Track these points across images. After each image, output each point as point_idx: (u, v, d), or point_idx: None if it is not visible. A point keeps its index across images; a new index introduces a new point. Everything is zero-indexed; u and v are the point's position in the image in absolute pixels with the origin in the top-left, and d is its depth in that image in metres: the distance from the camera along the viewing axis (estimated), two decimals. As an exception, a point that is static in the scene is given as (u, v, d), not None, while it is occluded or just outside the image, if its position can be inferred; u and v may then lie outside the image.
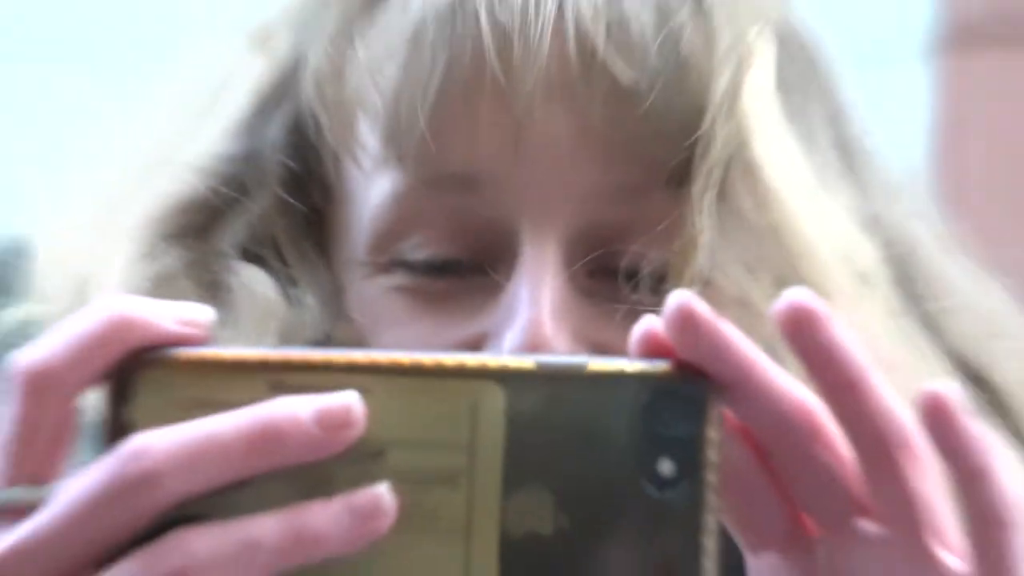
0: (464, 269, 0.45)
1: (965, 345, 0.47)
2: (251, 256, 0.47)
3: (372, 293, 0.46)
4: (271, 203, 0.47)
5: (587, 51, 0.43)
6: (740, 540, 0.33)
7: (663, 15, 0.44)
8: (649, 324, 0.30)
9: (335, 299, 0.47)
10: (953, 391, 0.31)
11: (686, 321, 0.29)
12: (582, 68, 0.43)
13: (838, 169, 0.47)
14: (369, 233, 0.45)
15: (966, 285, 0.50)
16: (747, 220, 0.44)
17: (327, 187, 0.48)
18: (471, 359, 0.32)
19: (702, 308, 0.30)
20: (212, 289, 0.46)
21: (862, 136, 0.50)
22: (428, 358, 0.32)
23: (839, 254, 0.44)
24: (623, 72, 0.42)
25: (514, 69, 0.42)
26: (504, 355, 0.38)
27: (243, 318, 0.45)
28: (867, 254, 0.45)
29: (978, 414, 0.39)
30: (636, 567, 0.31)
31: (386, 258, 0.45)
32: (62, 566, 0.29)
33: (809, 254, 0.43)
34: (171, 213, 0.47)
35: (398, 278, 0.45)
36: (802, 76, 0.48)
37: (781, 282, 0.40)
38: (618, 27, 0.43)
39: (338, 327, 0.46)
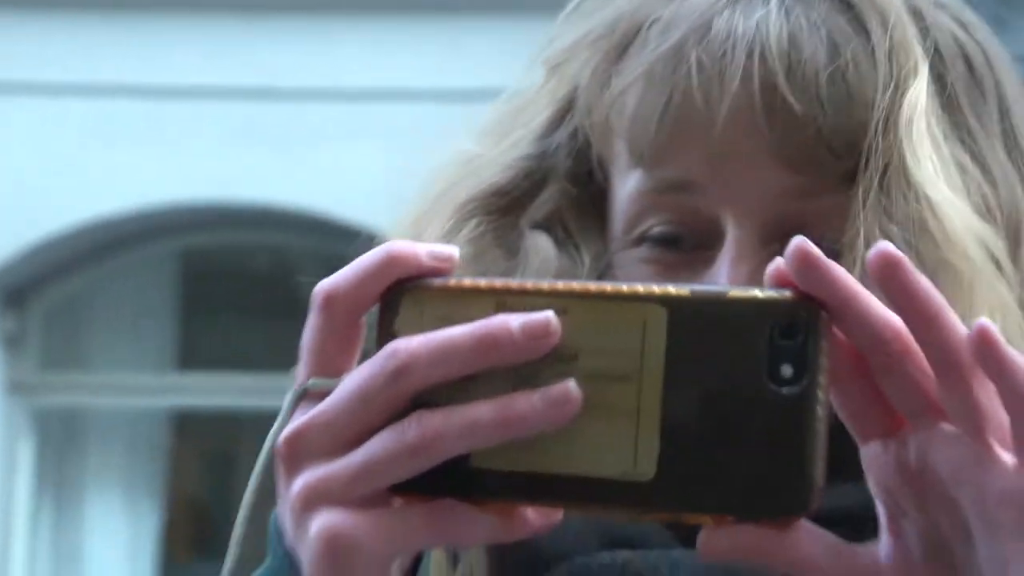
0: (685, 245, 0.61)
1: None
2: (542, 228, 0.64)
3: (625, 260, 0.63)
4: (558, 189, 0.65)
5: (768, 88, 0.57)
6: (852, 431, 0.43)
7: (833, 54, 0.58)
8: (777, 263, 0.41)
9: (604, 259, 0.64)
10: (995, 331, 0.40)
11: (803, 261, 0.39)
12: (764, 102, 0.57)
13: (1002, 161, 0.62)
14: (622, 217, 0.63)
15: None
16: (900, 214, 0.57)
17: (597, 181, 0.65)
18: (641, 287, 0.42)
19: (815, 251, 0.40)
20: (508, 250, 0.64)
21: None
22: (610, 286, 0.43)
23: (976, 242, 0.57)
24: (797, 103, 0.57)
25: (712, 102, 0.58)
26: (667, 284, 0.46)
27: (529, 270, 0.62)
28: (998, 244, 0.58)
29: None
30: (761, 444, 0.40)
31: (633, 236, 0.62)
32: (345, 433, 0.42)
33: (951, 241, 0.56)
34: (483, 196, 0.65)
35: (642, 251, 0.62)
36: (969, 87, 0.63)
37: (927, 265, 0.53)
38: (795, 67, 0.57)
39: (604, 280, 0.62)
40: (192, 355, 7.90)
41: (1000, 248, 0.60)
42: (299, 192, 6.98)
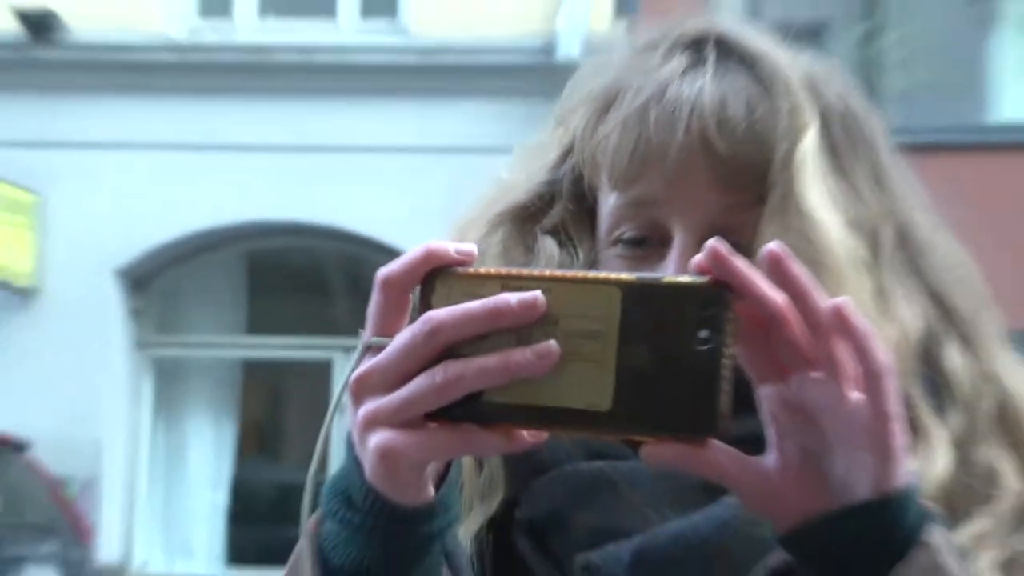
0: (647, 246, 0.75)
1: (936, 282, 0.76)
2: (551, 233, 0.80)
3: (606, 257, 0.77)
4: (562, 207, 0.80)
5: (703, 135, 0.72)
6: (751, 377, 0.55)
7: (749, 112, 0.73)
8: (698, 258, 0.53)
9: (592, 255, 0.79)
10: (848, 304, 0.52)
11: (714, 256, 0.52)
12: (701, 144, 0.72)
13: (870, 187, 0.77)
14: (604, 226, 0.77)
15: (941, 247, 0.78)
16: (792, 226, 0.70)
17: (588, 201, 0.80)
18: (603, 275, 0.55)
19: (724, 248, 0.52)
20: (526, 248, 0.79)
21: (891, 164, 0.79)
22: (582, 273, 0.58)
23: (844, 247, 0.71)
24: (721, 147, 0.72)
25: (665, 145, 0.73)
26: (621, 273, 0.57)
27: (539, 263, 0.77)
28: (859, 251, 0.72)
29: (939, 325, 0.72)
30: (685, 386, 0.52)
31: (611, 239, 0.76)
32: (394, 376, 0.54)
33: (826, 246, 0.70)
34: (511, 211, 0.81)
35: (617, 250, 0.76)
36: (846, 138, 0.77)
37: (809, 262, 0.60)
38: (722, 121, 0.72)
39: (593, 270, 0.74)
40: (256, 323, 9.90)
41: (863, 252, 0.73)
42: (329, 213, 8.96)
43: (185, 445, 9.76)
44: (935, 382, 0.72)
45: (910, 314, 0.73)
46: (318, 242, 9.75)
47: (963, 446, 0.71)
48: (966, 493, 0.70)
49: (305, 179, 8.88)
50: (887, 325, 0.70)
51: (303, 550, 0.63)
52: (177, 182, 8.95)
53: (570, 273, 0.58)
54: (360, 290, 8.51)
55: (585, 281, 0.55)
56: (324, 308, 9.92)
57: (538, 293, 0.53)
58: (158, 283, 9.74)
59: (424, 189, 8.01)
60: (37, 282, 9.13)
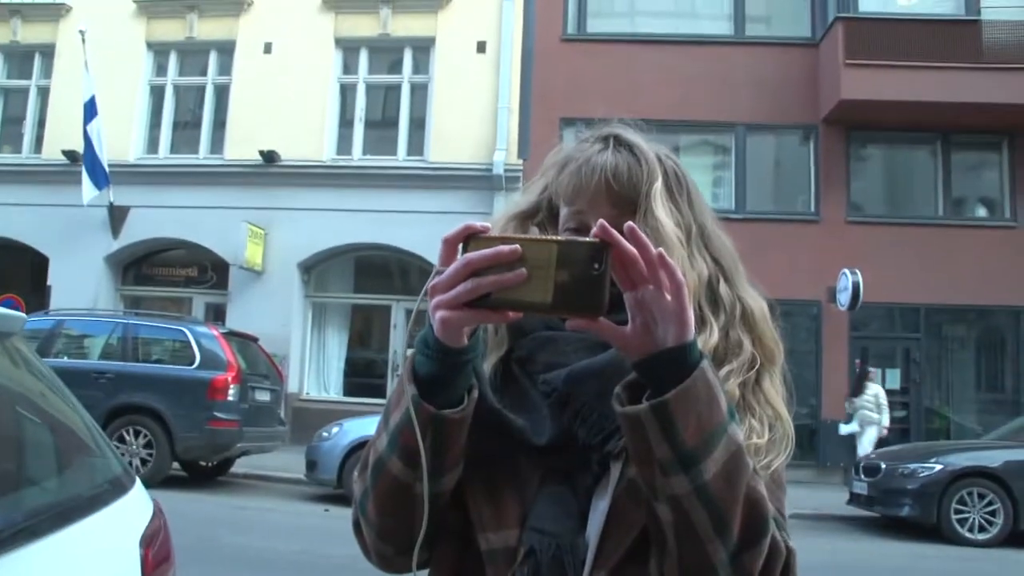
0: (579, 232, 1.20)
1: (714, 252, 1.26)
2: (537, 225, 1.32)
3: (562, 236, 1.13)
4: (543, 213, 1.33)
5: (606, 180, 1.23)
6: (621, 288, 0.97)
7: (630, 168, 1.22)
8: (594, 230, 0.94)
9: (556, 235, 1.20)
10: (664, 252, 0.96)
11: (602, 229, 0.94)
12: (605, 186, 1.23)
13: (686, 207, 1.25)
14: (560, 223, 1.28)
15: (717, 236, 1.27)
16: (649, 226, 1.15)
17: (555, 211, 1.31)
18: (550, 237, 1.01)
19: (607, 226, 0.94)
20: (523, 231, 1.30)
21: (695, 195, 1.29)
22: (540, 236, 1.12)
23: (672, 236, 1.18)
24: (615, 187, 1.22)
25: (588, 187, 1.23)
26: (559, 236, 1.05)
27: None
28: (679, 236, 1.19)
29: (716, 273, 1.30)
30: (587, 290, 0.92)
31: (563, 229, 1.26)
32: (449, 285, 0.99)
33: (664, 236, 1.17)
34: (516, 214, 1.34)
35: (566, 234, 1.22)
36: (678, 185, 1.27)
37: (656, 243, 0.99)
38: (615, 173, 1.23)
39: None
40: (359, 287, 16.50)
41: (681, 237, 1.18)
42: (390, 239, 15.87)
43: (326, 342, 17.27)
44: (713, 299, 1.22)
45: (702, 266, 1.22)
46: (384, 252, 17.03)
47: (724, 330, 1.21)
48: (725, 353, 1.20)
49: (380, 223, 16.26)
50: (690, 271, 1.18)
51: (405, 371, 1.07)
52: (322, 225, 16.26)
53: (536, 236, 1.05)
54: (404, 275, 16.49)
55: (541, 240, 0.95)
56: (388, 282, 17.12)
57: (517, 246, 0.92)
58: (316, 269, 17.20)
59: (431, 230, 13.58)
60: (263, 268, 16.58)
